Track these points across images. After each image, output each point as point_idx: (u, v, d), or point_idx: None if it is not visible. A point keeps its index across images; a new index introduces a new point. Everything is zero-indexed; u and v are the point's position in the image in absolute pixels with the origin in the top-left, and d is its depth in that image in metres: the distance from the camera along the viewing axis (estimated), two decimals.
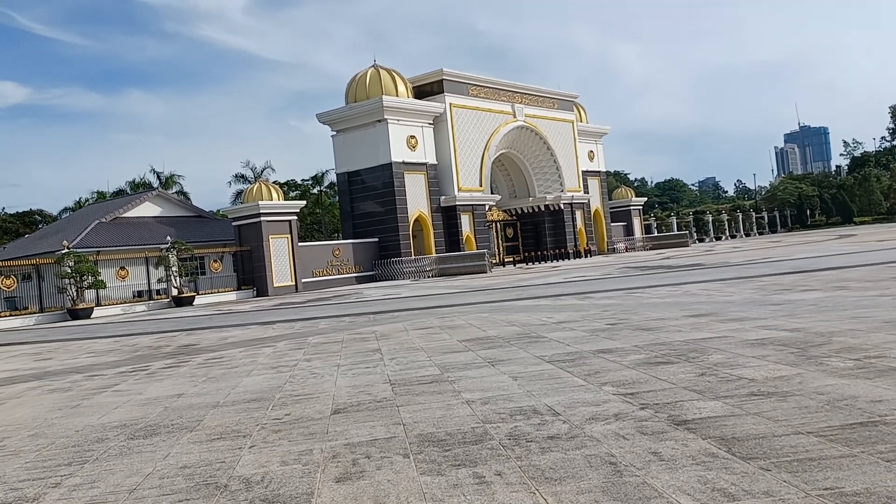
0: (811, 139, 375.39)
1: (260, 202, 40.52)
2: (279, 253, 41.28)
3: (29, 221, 68.72)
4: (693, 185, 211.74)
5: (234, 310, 28.39)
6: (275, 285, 40.60)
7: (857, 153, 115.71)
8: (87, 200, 70.68)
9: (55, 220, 64.08)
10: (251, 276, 41.18)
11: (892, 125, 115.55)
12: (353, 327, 14.98)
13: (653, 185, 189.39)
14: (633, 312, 12.54)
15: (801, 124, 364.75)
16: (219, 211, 60.36)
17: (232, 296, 40.01)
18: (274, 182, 77.68)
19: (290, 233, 41.97)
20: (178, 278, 37.41)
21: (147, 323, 24.73)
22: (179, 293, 37.31)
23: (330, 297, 31.28)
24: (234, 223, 42.21)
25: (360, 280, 45.31)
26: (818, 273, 17.53)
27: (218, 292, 39.72)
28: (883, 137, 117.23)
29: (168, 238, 38.27)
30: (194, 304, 37.02)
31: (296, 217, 43.15)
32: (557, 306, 15.37)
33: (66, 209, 70.55)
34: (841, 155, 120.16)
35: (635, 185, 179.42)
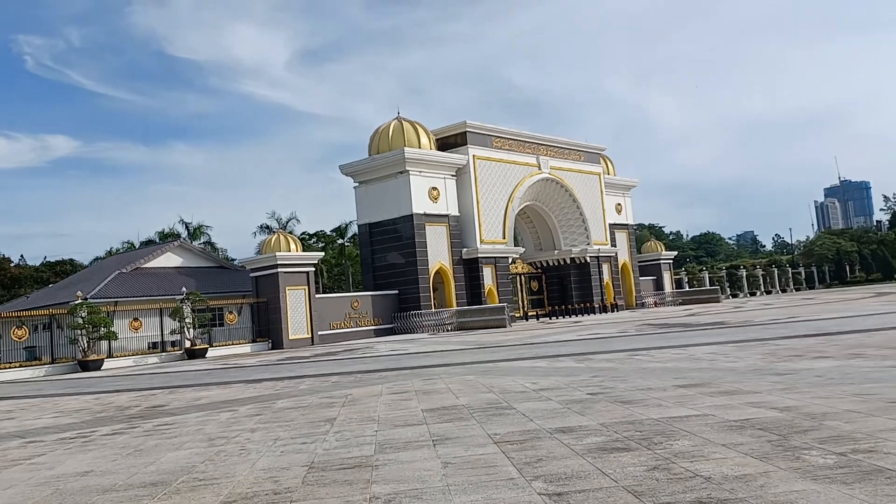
0: (852, 194, 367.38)
1: (277, 253, 40.19)
2: (296, 305, 40.74)
3: (60, 271, 69.62)
4: (730, 238, 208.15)
5: (239, 364, 27.71)
6: (290, 338, 39.94)
7: None
8: (117, 250, 71.54)
9: (83, 270, 64.75)
10: (267, 328, 40.64)
11: None
12: (331, 388, 14.11)
13: (688, 238, 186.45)
14: (623, 380, 11.48)
15: (842, 178, 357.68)
16: (226, 259, 60.36)
17: (246, 348, 39.43)
18: (302, 233, 78.04)
19: (308, 284, 41.49)
20: (191, 330, 36.97)
21: (146, 377, 24.14)
22: (192, 345, 36.82)
23: (340, 351, 30.47)
24: (251, 274, 41.90)
25: (378, 333, 44.45)
26: (838, 336, 16.23)
27: (232, 344, 39.18)
28: None
29: (183, 289, 38.02)
30: (207, 356, 36.50)
31: (314, 268, 42.74)
32: (551, 369, 14.34)
33: (96, 258, 71.41)
34: (881, 210, 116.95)
35: (670, 238, 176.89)
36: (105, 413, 13.45)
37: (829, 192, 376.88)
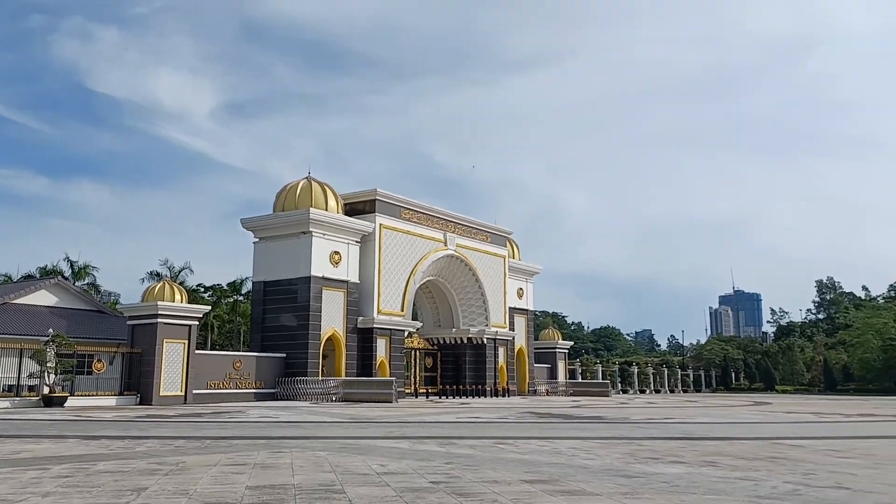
0: (744, 304, 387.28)
1: (159, 303, 38.13)
2: (172, 359, 38.52)
3: None
4: (629, 335, 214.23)
5: (92, 417, 25.63)
6: (161, 394, 37.55)
7: (783, 322, 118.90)
8: None
9: None
10: (138, 381, 38.12)
11: (817, 299, 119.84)
12: (169, 454, 12.93)
13: (589, 330, 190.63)
14: (474, 469, 10.91)
15: (736, 288, 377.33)
16: (114, 304, 57.15)
17: (112, 401, 36.71)
18: (198, 285, 75.14)
19: (189, 338, 39.41)
20: (51, 375, 34.24)
21: None
22: (51, 392, 34.04)
23: (208, 413, 28.70)
24: (128, 322, 39.54)
25: (259, 397, 42.48)
26: (702, 442, 16.26)
27: (96, 395, 36.42)
28: (808, 310, 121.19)
29: (50, 330, 35.42)
30: (65, 405, 33.75)
31: (198, 322, 40.79)
32: (410, 451, 13.64)
33: None
34: (768, 322, 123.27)
35: (572, 328, 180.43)
36: None
37: (724, 299, 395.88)
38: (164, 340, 38.16)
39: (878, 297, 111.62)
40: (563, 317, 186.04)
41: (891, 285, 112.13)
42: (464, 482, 9.58)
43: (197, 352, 40.58)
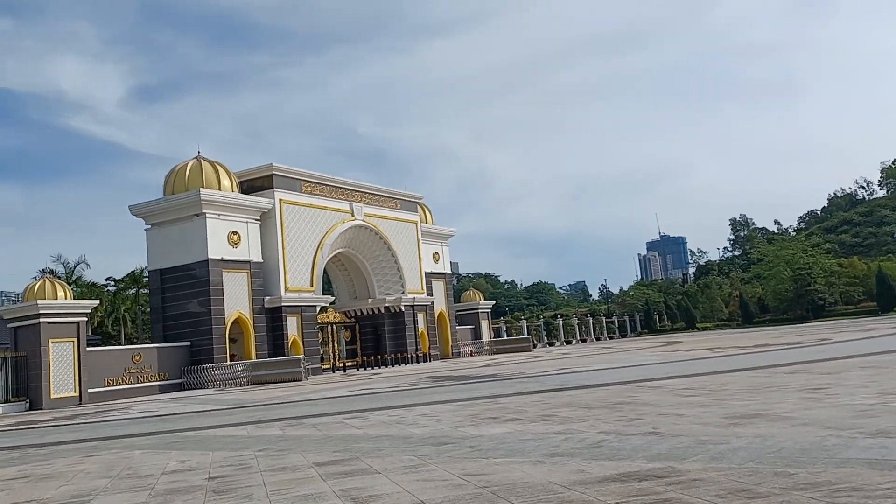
0: (670, 248, 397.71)
1: (40, 301, 35.87)
2: (62, 359, 36.45)
3: None
4: (562, 288, 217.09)
5: None
6: (52, 397, 35.55)
7: (702, 262, 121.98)
8: None
9: None
10: (25, 385, 35.98)
11: (731, 237, 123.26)
12: None
13: (522, 287, 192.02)
14: (281, 455, 9.99)
15: (662, 234, 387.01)
16: None
17: None
18: (107, 278, 72.04)
19: (78, 336, 37.31)
20: None
21: None
22: None
23: (89, 413, 27.10)
24: (9, 325, 37.17)
25: (164, 389, 40.78)
26: (564, 392, 15.76)
27: None
28: (725, 248, 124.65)
29: None
30: None
31: (86, 319, 38.63)
32: (239, 439, 12.65)
33: None
34: (687, 264, 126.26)
35: (506, 287, 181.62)
36: None
37: (651, 245, 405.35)
38: (50, 341, 36.03)
39: (788, 228, 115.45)
40: (497, 276, 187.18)
41: (800, 217, 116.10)
42: (248, 474, 8.63)
43: (90, 349, 38.59)
